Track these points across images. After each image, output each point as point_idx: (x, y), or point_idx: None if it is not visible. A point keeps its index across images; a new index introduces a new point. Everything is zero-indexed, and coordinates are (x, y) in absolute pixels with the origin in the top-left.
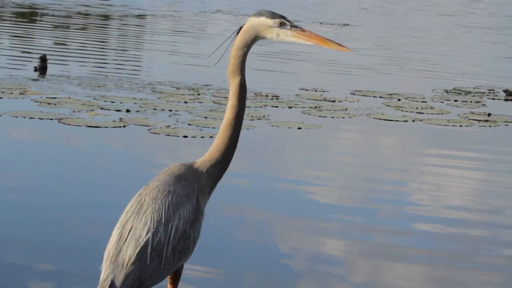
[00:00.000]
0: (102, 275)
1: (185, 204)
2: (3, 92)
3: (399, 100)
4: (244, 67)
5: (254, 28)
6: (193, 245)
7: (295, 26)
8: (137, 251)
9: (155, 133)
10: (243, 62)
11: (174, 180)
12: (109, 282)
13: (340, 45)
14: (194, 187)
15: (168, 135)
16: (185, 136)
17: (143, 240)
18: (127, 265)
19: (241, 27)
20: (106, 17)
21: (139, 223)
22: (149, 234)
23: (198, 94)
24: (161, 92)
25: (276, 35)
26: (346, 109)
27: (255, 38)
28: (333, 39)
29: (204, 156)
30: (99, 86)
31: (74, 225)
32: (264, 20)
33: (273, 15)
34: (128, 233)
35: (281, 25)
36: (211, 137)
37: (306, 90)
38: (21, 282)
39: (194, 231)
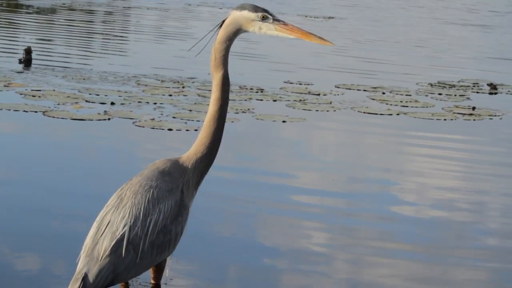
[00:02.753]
0: (78, 268)
1: (167, 199)
2: None
3: (383, 93)
4: (227, 60)
5: (237, 22)
6: (175, 240)
7: (277, 20)
8: (112, 244)
9: (139, 126)
10: (226, 55)
11: (158, 175)
12: (83, 275)
13: (322, 38)
14: (179, 182)
15: (153, 128)
16: (169, 129)
17: (119, 234)
18: (101, 258)
19: (223, 21)
20: (91, 9)
21: (117, 216)
22: (126, 228)
23: (183, 87)
24: (146, 85)
25: (258, 29)
26: (330, 102)
27: (238, 32)
28: (316, 32)
29: (190, 150)
30: (84, 79)
31: (58, 217)
32: (246, 13)
33: (256, 9)
34: (105, 227)
35: (264, 18)
36: (196, 130)
37: (291, 83)
38: (5, 272)
39: (176, 226)
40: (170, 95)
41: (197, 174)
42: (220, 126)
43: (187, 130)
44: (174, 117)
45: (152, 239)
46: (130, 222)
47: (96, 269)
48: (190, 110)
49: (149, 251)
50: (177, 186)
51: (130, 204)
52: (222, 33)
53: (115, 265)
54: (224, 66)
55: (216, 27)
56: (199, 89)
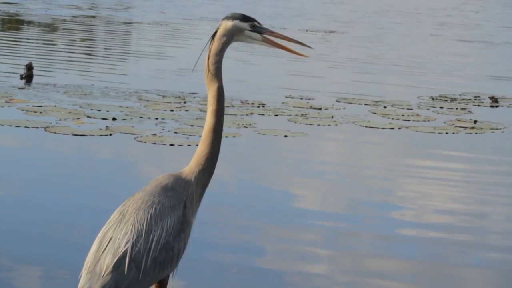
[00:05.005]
0: (79, 284)
1: (170, 215)
2: None
3: (385, 107)
4: (221, 71)
5: (229, 32)
6: (177, 257)
7: (265, 29)
8: (114, 261)
9: (141, 141)
10: (220, 67)
11: (160, 191)
12: None
13: (298, 53)
14: (183, 196)
15: (155, 143)
16: (171, 145)
17: (121, 250)
18: (104, 274)
19: (215, 32)
20: (93, 25)
21: (119, 233)
22: (128, 245)
23: (185, 102)
24: (147, 100)
25: (247, 38)
26: (332, 117)
27: (230, 42)
28: (316, 47)
29: (190, 164)
30: (85, 94)
31: (59, 232)
32: (238, 23)
33: (246, 18)
34: (107, 243)
35: (253, 27)
36: (197, 145)
37: (292, 97)
38: (7, 284)
39: (178, 242)
40: (172, 110)
41: (200, 186)
42: (219, 137)
43: (188, 145)
44: (175, 132)
45: (155, 256)
46: (133, 238)
47: (98, 286)
48: (192, 125)
49: (152, 268)
50: (180, 201)
51: (132, 220)
52: (216, 45)
53: (117, 282)
54: (219, 77)
55: (209, 40)
56: (200, 104)
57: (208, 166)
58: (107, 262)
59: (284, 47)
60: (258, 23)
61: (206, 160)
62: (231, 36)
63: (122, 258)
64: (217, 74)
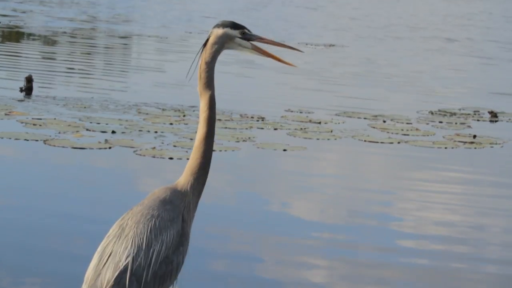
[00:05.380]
0: None
1: (169, 229)
2: None
3: (384, 121)
4: (213, 79)
5: (220, 40)
6: (176, 270)
7: (254, 36)
8: (115, 275)
9: (140, 155)
10: (212, 75)
11: (159, 204)
12: None
13: (287, 63)
14: (180, 208)
15: (154, 157)
16: (170, 158)
17: (122, 264)
18: None
19: (206, 41)
20: (92, 36)
21: (120, 247)
22: (129, 259)
23: (184, 116)
24: (147, 114)
25: (237, 46)
26: (331, 131)
27: (221, 50)
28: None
29: (185, 173)
30: (85, 107)
31: (58, 244)
32: (228, 31)
33: (236, 26)
34: (108, 257)
35: (243, 34)
36: None
37: (292, 111)
38: None
39: (177, 256)
40: (171, 124)
41: (195, 195)
42: (211, 144)
43: (187, 159)
44: (175, 146)
45: (155, 270)
46: (133, 252)
47: None
48: (191, 139)
49: (152, 281)
50: (178, 214)
51: (132, 234)
52: (208, 53)
53: None
54: (211, 85)
55: (200, 49)
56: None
57: (203, 174)
58: (108, 276)
59: (273, 56)
60: (248, 30)
61: (200, 169)
62: (222, 43)
63: (123, 272)
64: (210, 81)
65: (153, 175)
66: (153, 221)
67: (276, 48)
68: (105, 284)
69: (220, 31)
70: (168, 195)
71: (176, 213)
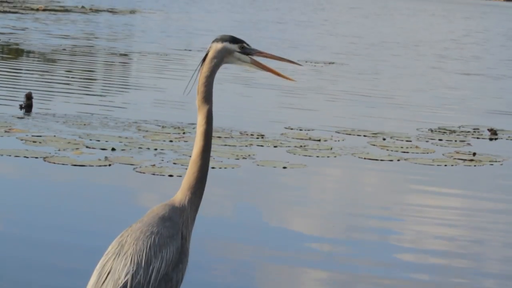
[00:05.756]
0: None
1: (168, 246)
2: None
3: (384, 139)
4: (212, 93)
5: (220, 54)
6: (176, 287)
7: (254, 50)
8: None
9: (140, 172)
10: (211, 89)
11: (158, 221)
12: None
13: (286, 77)
14: (179, 224)
15: (154, 174)
16: (170, 175)
17: (121, 282)
18: None
19: (206, 55)
20: (92, 55)
21: (119, 264)
22: (128, 276)
23: (184, 133)
24: (147, 131)
25: (236, 60)
26: (331, 148)
27: (220, 64)
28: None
29: (182, 188)
30: (85, 125)
31: (58, 260)
32: (227, 45)
33: (235, 40)
34: (107, 275)
35: (242, 49)
36: None
37: (291, 129)
38: None
39: (177, 273)
40: (171, 141)
41: (193, 209)
42: (208, 158)
43: None
44: (174, 163)
45: (155, 287)
46: (133, 270)
47: None
48: (191, 156)
49: None
50: (178, 231)
51: (131, 251)
52: (207, 67)
53: None
54: (210, 100)
55: (200, 63)
56: None
57: (200, 188)
58: None
59: (272, 71)
60: (247, 44)
61: (197, 182)
62: (221, 58)
63: None
64: (208, 96)
65: (153, 192)
66: (152, 238)
67: (276, 63)
68: None
69: (219, 45)
70: (167, 211)
71: (175, 229)
